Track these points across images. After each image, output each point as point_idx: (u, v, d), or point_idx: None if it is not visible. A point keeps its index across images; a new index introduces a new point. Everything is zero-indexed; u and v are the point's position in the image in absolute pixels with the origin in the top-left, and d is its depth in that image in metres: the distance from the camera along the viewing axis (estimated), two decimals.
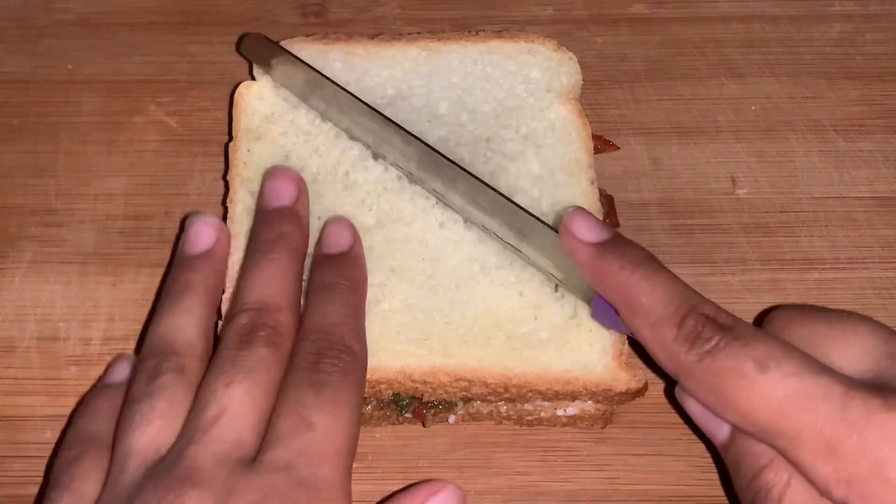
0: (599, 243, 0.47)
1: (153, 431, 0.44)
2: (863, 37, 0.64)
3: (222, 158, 0.60)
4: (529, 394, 0.49)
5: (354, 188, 0.54)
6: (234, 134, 0.56)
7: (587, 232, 0.48)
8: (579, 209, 0.49)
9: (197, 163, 0.60)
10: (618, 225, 0.56)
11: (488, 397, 0.50)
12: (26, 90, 0.63)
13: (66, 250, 0.58)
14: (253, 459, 0.43)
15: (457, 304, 0.50)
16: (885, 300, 0.56)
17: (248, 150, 0.55)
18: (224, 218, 0.53)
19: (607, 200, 0.56)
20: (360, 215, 0.53)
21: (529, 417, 0.52)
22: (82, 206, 0.59)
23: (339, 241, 0.51)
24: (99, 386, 0.51)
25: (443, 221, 0.53)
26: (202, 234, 0.51)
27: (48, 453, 0.52)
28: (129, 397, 0.46)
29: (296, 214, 0.51)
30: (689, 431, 0.53)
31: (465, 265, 0.52)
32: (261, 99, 0.57)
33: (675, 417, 0.53)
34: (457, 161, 0.53)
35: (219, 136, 0.61)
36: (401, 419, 0.52)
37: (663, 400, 0.53)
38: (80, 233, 0.58)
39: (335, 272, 0.50)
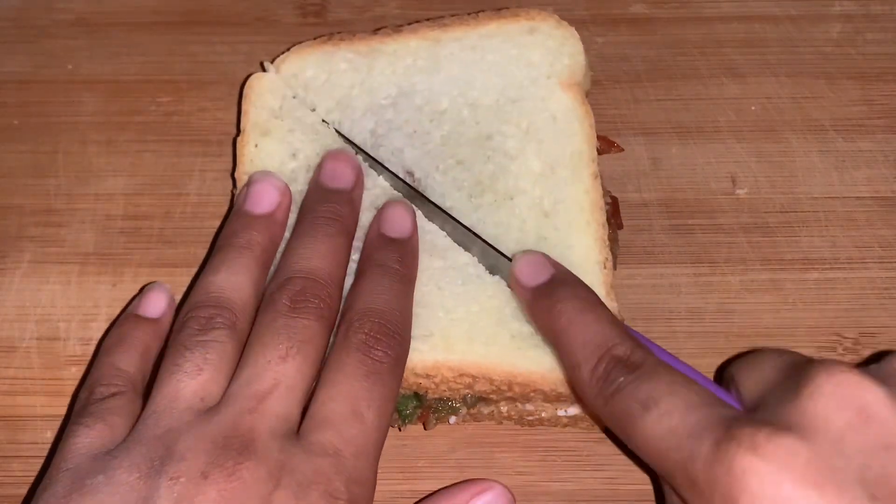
0: (535, 288, 0.48)
1: (203, 380, 0.45)
2: (863, 37, 0.64)
3: (222, 158, 0.60)
4: (533, 394, 0.49)
5: (366, 189, 0.54)
6: (242, 128, 0.56)
7: (525, 276, 0.49)
8: (527, 253, 0.50)
9: (197, 163, 0.60)
10: (621, 227, 0.56)
11: (491, 395, 0.50)
12: (26, 90, 0.63)
13: (66, 250, 0.58)
14: (296, 433, 0.44)
15: (461, 300, 0.50)
16: (885, 300, 0.56)
17: (256, 146, 0.55)
18: (228, 212, 0.54)
19: (611, 201, 0.56)
20: (369, 216, 0.53)
21: (530, 418, 0.52)
22: (82, 206, 0.59)
23: (402, 226, 0.52)
24: (130, 313, 0.51)
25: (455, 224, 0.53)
26: (267, 195, 0.52)
27: (48, 453, 0.52)
28: (179, 341, 0.46)
29: (353, 200, 0.52)
30: None
31: (473, 264, 0.52)
32: (270, 92, 0.57)
33: None
34: (458, 160, 0.53)
35: (219, 136, 0.61)
36: (402, 429, 0.52)
37: None
38: (80, 233, 0.58)
39: (395, 256, 0.50)
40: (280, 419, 0.43)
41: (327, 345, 0.47)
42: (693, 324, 0.55)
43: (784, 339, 0.55)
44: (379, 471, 0.52)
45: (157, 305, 0.51)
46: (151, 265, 0.57)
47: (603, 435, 0.52)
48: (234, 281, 0.48)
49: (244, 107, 0.56)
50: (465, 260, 0.52)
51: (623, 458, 0.52)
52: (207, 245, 0.57)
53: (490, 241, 0.51)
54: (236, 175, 0.55)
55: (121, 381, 0.47)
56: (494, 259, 0.51)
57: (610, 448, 0.52)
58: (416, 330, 0.50)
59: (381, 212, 0.52)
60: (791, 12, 0.65)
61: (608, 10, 0.66)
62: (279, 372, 0.44)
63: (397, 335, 0.47)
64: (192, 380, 0.44)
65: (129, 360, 0.48)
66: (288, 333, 0.45)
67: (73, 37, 0.64)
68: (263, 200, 0.51)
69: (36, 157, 0.60)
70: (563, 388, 0.48)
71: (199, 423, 0.43)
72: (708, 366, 0.54)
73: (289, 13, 0.66)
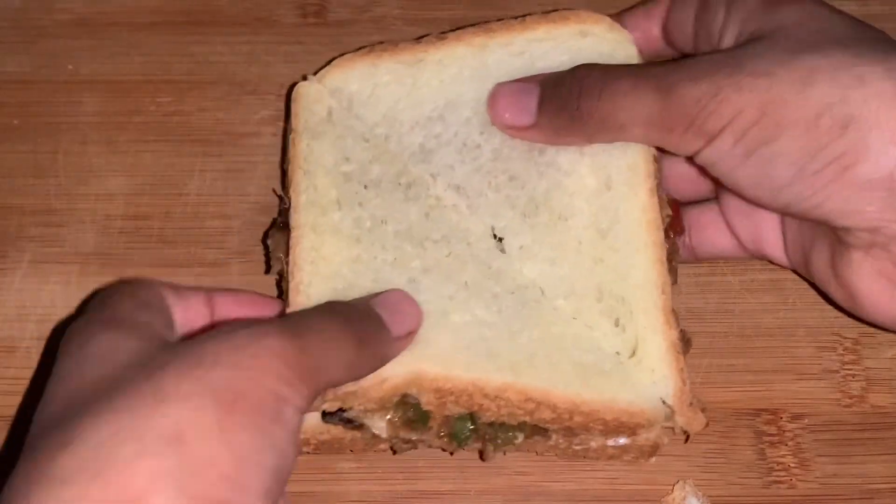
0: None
1: None
2: None
3: (222, 158, 0.60)
4: (593, 424, 0.48)
5: (417, 200, 0.52)
6: (293, 126, 0.54)
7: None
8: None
9: (197, 163, 0.60)
10: (682, 232, 0.54)
11: (550, 424, 0.48)
12: (26, 90, 0.63)
13: (66, 250, 0.58)
14: None
15: (525, 324, 0.49)
16: None
17: (308, 146, 0.53)
18: (286, 209, 0.52)
19: (672, 205, 0.53)
20: (424, 227, 0.51)
21: (578, 447, 0.50)
22: (82, 206, 0.59)
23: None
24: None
25: (504, 247, 0.51)
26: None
27: None
28: None
29: None
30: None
31: (529, 289, 0.50)
32: (318, 101, 0.55)
33: None
34: (510, 176, 0.52)
35: (219, 136, 0.61)
36: (453, 453, 0.51)
37: None
38: (80, 233, 0.58)
39: None
40: None
41: None
42: (693, 324, 0.55)
43: (784, 339, 0.55)
44: (379, 470, 0.52)
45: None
46: (151, 265, 0.57)
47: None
48: None
49: (294, 109, 0.54)
50: (522, 283, 0.50)
51: (623, 458, 0.52)
52: (207, 245, 0.58)
53: (547, 264, 0.51)
54: (288, 168, 0.53)
55: None
56: None
57: None
58: (483, 348, 0.48)
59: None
60: None
61: (609, 10, 0.65)
62: None
63: None
64: None
65: None
66: None
67: (73, 37, 0.64)
68: None
69: (36, 157, 0.60)
70: (627, 418, 0.47)
71: None
72: (708, 366, 0.54)
73: (289, 13, 0.66)
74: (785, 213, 0.50)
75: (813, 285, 0.53)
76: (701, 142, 0.47)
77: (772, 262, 0.55)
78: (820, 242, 0.50)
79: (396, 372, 0.47)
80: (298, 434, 0.39)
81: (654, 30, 0.54)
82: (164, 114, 0.62)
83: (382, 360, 0.45)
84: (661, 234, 0.50)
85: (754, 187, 0.48)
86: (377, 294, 0.47)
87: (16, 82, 0.63)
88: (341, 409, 0.48)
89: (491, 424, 0.49)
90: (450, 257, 0.51)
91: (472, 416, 0.49)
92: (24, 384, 0.54)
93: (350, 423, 0.49)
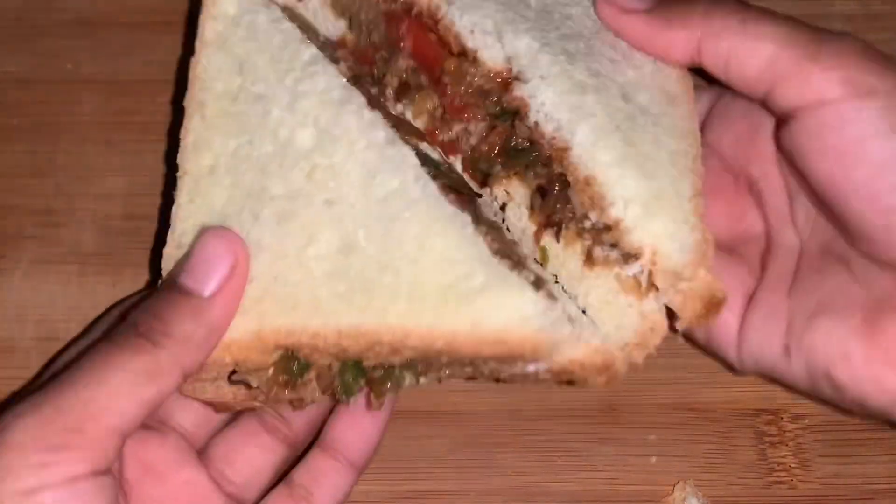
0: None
1: None
2: (863, 37, 0.64)
3: None
4: (466, 358, 0.43)
5: (301, 99, 0.48)
6: (196, 48, 0.51)
7: None
8: None
9: None
10: None
11: (431, 359, 0.44)
12: (26, 90, 0.63)
13: (65, 250, 0.58)
14: None
15: (389, 243, 0.43)
16: None
17: (206, 62, 0.50)
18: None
19: None
20: (299, 135, 0.47)
21: (503, 375, 0.45)
22: (82, 206, 0.59)
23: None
24: None
25: (392, 138, 0.47)
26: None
27: None
28: None
29: None
30: (690, 432, 0.53)
31: (408, 188, 0.45)
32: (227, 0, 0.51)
33: (675, 417, 0.53)
34: (556, 30, 0.48)
35: None
36: (348, 404, 0.46)
37: (663, 400, 0.53)
38: (79, 233, 0.58)
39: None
40: None
41: None
42: None
43: None
44: (379, 471, 0.52)
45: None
46: (151, 265, 0.57)
47: (603, 435, 0.52)
48: None
49: (201, 22, 0.51)
50: (401, 182, 0.45)
51: (623, 458, 0.52)
52: None
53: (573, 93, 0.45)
54: (185, 103, 0.50)
55: None
56: None
57: (610, 448, 0.52)
58: (338, 286, 0.43)
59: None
60: (791, 12, 0.65)
61: None
62: None
63: None
64: None
65: None
66: None
67: (73, 37, 0.64)
68: None
69: (36, 157, 0.60)
70: (490, 349, 0.42)
71: None
72: (709, 366, 0.54)
73: None
74: (874, 230, 0.42)
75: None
76: (841, 91, 0.41)
77: (706, 344, 0.49)
78: (848, 302, 0.43)
79: (235, 336, 0.43)
80: (103, 493, 0.37)
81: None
82: (164, 114, 0.62)
83: (208, 331, 0.41)
84: (697, 126, 0.47)
85: (880, 168, 0.40)
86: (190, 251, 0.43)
87: (16, 82, 0.63)
88: (234, 371, 0.45)
89: (377, 368, 0.45)
90: (320, 169, 0.46)
91: (357, 364, 0.45)
92: (22, 384, 0.54)
93: (246, 385, 0.46)
